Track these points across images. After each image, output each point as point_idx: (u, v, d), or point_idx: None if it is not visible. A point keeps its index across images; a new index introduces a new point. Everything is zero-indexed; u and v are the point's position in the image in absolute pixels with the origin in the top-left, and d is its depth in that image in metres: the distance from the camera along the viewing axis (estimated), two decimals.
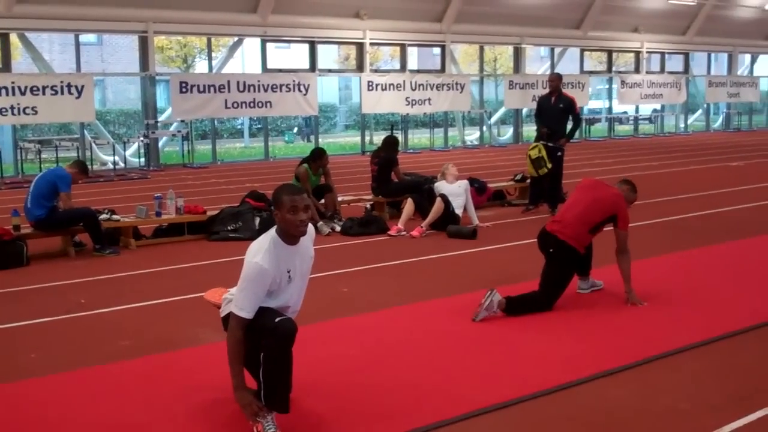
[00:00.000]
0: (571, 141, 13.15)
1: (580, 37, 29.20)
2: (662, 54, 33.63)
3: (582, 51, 30.84)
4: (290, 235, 4.44)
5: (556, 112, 12.06)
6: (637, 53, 32.23)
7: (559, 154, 12.02)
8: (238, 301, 4.37)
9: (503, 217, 11.84)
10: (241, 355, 4.37)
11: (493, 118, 29.72)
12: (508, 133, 30.57)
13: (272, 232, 4.48)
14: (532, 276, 6.93)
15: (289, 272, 4.47)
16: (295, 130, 34.36)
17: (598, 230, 6.93)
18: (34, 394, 5.09)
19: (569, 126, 12.34)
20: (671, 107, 34.67)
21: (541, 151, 11.83)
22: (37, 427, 4.57)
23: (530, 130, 24.83)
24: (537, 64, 33.82)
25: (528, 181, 12.74)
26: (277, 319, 4.30)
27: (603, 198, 6.88)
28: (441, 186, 11.01)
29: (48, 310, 7.09)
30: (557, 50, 29.93)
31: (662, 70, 33.61)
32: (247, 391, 4.37)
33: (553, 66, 29.46)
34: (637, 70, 32.32)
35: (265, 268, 4.32)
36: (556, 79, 12.27)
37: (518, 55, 28.69)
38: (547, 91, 12.53)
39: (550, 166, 11.81)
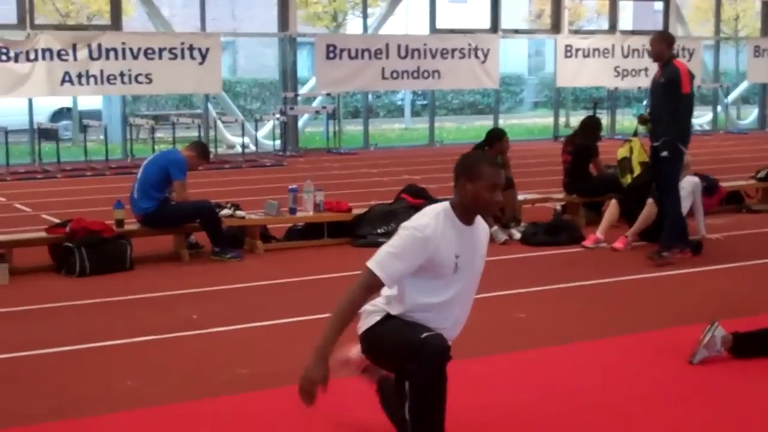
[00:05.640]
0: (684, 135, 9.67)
1: None
2: None
3: None
4: (472, 213, 4.49)
5: (658, 91, 9.74)
6: None
7: (665, 154, 9.49)
8: (380, 257, 4.39)
9: (739, 227, 11.48)
10: (347, 322, 4.41)
11: (732, 96, 28.84)
12: (751, 115, 29.60)
13: (445, 203, 4.53)
14: None
15: (456, 258, 4.48)
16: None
17: None
18: (127, 431, 5.30)
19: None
20: None
21: (632, 150, 10.75)
22: None
23: None
24: None
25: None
26: (423, 335, 4.32)
27: None
28: None
29: (152, 327, 7.38)
30: None
31: None
32: (326, 366, 4.37)
33: None
34: None
35: (426, 235, 4.36)
36: (656, 43, 9.68)
37: None
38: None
39: (637, 172, 10.58)
